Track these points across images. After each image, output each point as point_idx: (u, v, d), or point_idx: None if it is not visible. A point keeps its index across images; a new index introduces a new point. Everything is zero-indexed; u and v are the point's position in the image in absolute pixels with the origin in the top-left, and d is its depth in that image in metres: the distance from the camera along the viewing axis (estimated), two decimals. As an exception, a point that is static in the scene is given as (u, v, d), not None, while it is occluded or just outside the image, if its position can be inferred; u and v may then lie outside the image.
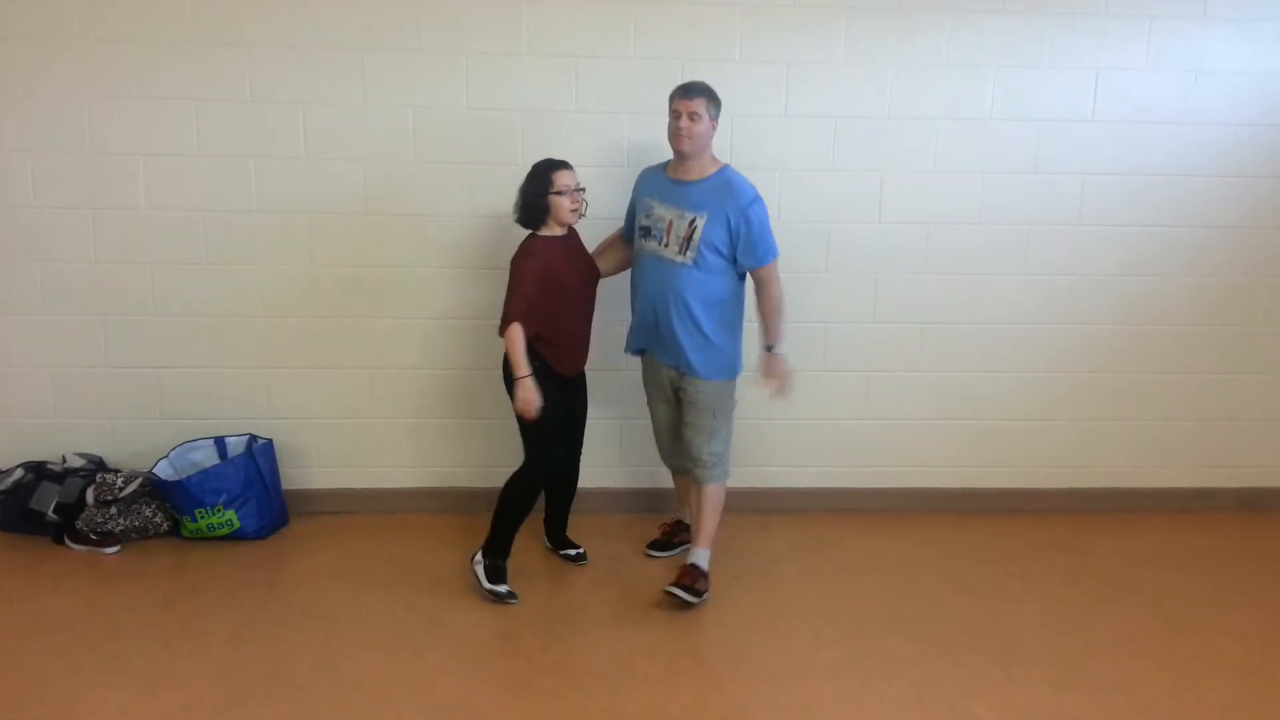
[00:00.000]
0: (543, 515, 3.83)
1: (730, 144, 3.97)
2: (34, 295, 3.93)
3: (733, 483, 4.22)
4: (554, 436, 3.49)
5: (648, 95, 3.90)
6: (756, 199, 3.35)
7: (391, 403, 4.12)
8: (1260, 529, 4.21)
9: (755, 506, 4.26)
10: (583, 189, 3.43)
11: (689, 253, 3.33)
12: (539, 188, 3.37)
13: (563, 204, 3.36)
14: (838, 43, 3.95)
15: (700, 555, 3.52)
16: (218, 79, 3.83)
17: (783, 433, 4.25)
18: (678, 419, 3.59)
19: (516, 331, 3.31)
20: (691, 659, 3.11)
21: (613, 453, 4.21)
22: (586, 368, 3.65)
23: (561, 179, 3.36)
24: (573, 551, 3.79)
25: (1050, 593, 3.60)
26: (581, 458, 3.81)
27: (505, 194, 3.95)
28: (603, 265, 3.65)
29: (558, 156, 3.45)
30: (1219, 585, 3.68)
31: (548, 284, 3.35)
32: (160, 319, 3.98)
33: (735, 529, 4.08)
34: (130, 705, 2.79)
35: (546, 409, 3.37)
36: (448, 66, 3.88)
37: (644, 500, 4.23)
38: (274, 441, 4.05)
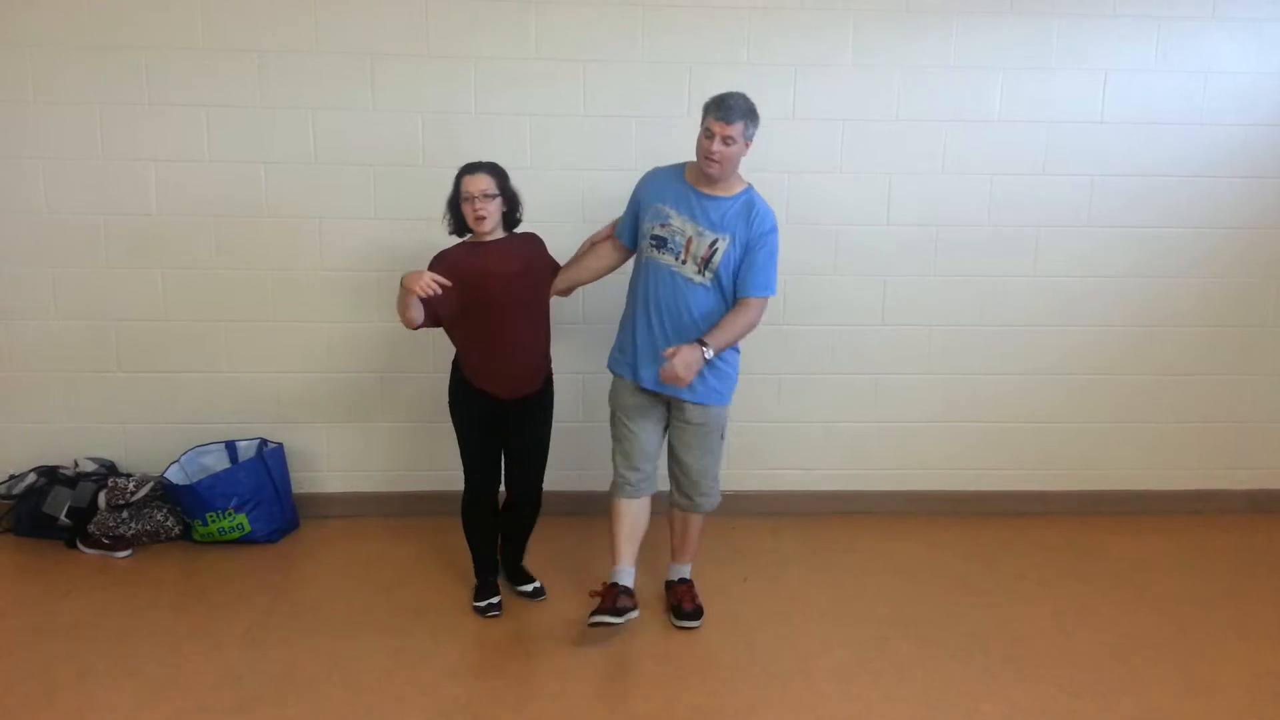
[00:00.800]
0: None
1: (738, 147, 3.97)
2: (47, 300, 3.96)
3: (742, 486, 4.26)
4: (477, 459, 3.36)
5: (656, 99, 3.92)
6: (775, 230, 3.19)
7: (401, 407, 4.13)
8: (1270, 530, 4.20)
9: (764, 509, 4.26)
10: (489, 195, 3.19)
11: (707, 274, 3.16)
12: (453, 194, 3.27)
13: (466, 211, 3.21)
14: (845, 45, 3.96)
15: (686, 569, 3.49)
16: (228, 85, 3.85)
17: (792, 435, 4.25)
18: (656, 446, 3.37)
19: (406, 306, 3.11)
20: (701, 661, 3.11)
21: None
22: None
23: (465, 185, 3.22)
24: (528, 587, 3.54)
25: (1060, 594, 3.59)
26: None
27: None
28: (588, 265, 3.43)
29: (474, 160, 3.29)
30: (1229, 587, 3.67)
31: (449, 292, 3.09)
32: (171, 323, 4.01)
33: (744, 532, 4.09)
34: (141, 708, 2.80)
35: (466, 426, 3.34)
36: (456, 72, 3.89)
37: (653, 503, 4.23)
38: (284, 445, 4.06)
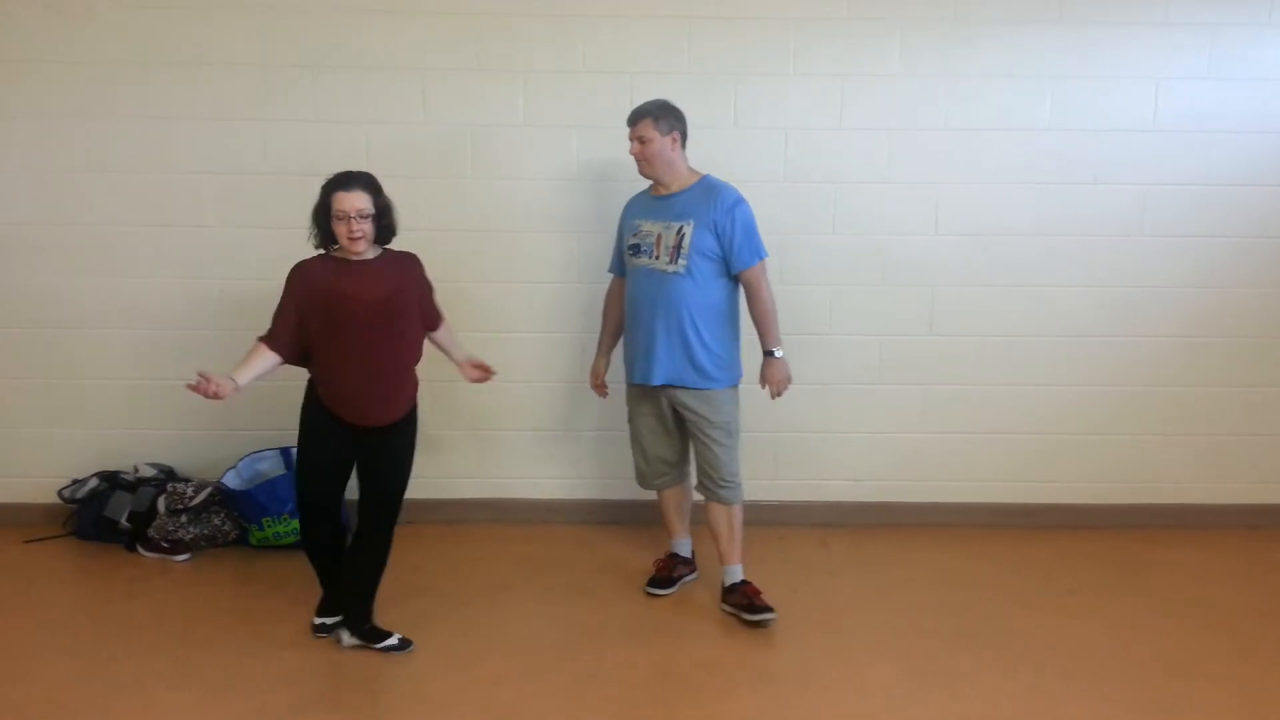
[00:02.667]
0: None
1: (784, 157, 4.00)
2: (110, 310, 4.07)
3: (790, 496, 4.25)
4: (311, 477, 3.15)
5: (702, 111, 3.93)
6: (740, 201, 3.34)
7: (450, 415, 4.18)
8: (1332, 546, 4.11)
9: (812, 520, 4.25)
10: (365, 215, 2.95)
11: (680, 261, 3.31)
12: (319, 205, 3.00)
13: (339, 230, 2.95)
14: (892, 55, 3.96)
15: (738, 570, 3.52)
16: (284, 100, 3.94)
17: (839, 446, 4.24)
18: (670, 443, 3.56)
19: (255, 347, 3.03)
20: (749, 671, 3.11)
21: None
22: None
23: (339, 202, 2.94)
24: (383, 644, 3.15)
25: (1114, 609, 3.54)
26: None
27: (561, 208, 4.05)
28: (613, 320, 3.64)
29: (350, 170, 3.08)
30: (1290, 603, 3.60)
31: (308, 309, 2.98)
32: (228, 333, 4.07)
33: (792, 543, 4.08)
34: (201, 708, 2.86)
35: (307, 445, 3.12)
36: (505, 84, 3.95)
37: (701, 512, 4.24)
38: (337, 453, 4.13)
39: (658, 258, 3.35)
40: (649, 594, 3.60)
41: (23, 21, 3.86)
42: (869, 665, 3.15)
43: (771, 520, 4.20)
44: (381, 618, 3.35)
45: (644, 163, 3.37)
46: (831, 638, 3.32)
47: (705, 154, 3.91)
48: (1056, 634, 3.35)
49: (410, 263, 3.18)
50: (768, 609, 3.37)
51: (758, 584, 3.49)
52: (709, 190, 3.35)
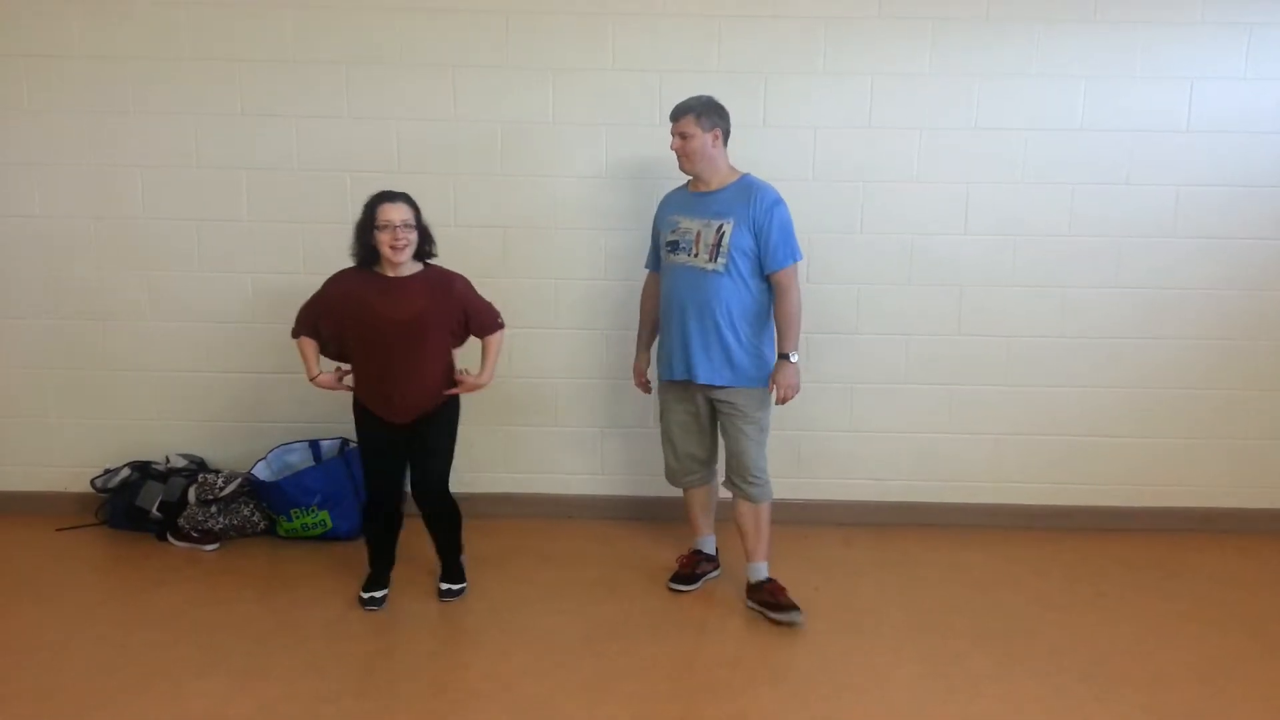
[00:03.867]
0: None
1: (813, 156, 3.99)
2: (143, 303, 4.13)
3: (815, 495, 4.25)
4: (371, 475, 3.41)
5: (731, 108, 3.92)
6: (779, 201, 3.34)
7: (477, 409, 4.21)
8: (1367, 553, 4.05)
9: (836, 520, 4.25)
10: (410, 226, 3.18)
11: (720, 259, 3.31)
12: (365, 221, 3.19)
13: (381, 240, 3.14)
14: (923, 54, 3.94)
15: (764, 567, 3.53)
16: (316, 96, 3.98)
17: (864, 445, 4.23)
18: (701, 441, 3.57)
19: (299, 343, 3.36)
20: (771, 669, 3.11)
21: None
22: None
23: (383, 214, 3.14)
24: (443, 586, 3.55)
25: (1141, 613, 3.51)
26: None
27: (590, 205, 4.05)
28: (650, 316, 3.65)
29: (390, 189, 3.25)
30: (1322, 610, 3.56)
31: (339, 319, 3.25)
32: (258, 326, 4.14)
33: (816, 542, 4.08)
34: (230, 695, 2.90)
35: (361, 441, 3.40)
36: (534, 82, 3.97)
37: (725, 510, 4.25)
38: (364, 446, 4.17)
39: (696, 255, 3.34)
40: (672, 590, 3.62)
41: (61, 19, 3.92)
42: (892, 665, 3.14)
43: (795, 519, 4.20)
44: (406, 609, 3.40)
45: (684, 158, 3.37)
46: (854, 637, 3.32)
47: (734, 152, 3.90)
48: (1082, 637, 3.33)
49: (449, 283, 3.31)
50: (794, 607, 3.38)
51: (781, 582, 3.49)
52: (748, 189, 3.34)
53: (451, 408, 3.44)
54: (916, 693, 2.99)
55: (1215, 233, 4.05)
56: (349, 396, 3.40)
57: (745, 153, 3.71)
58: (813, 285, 4.08)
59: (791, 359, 3.36)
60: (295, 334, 3.36)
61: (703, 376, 3.38)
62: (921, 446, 4.24)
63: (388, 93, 3.98)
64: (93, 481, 4.11)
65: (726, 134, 3.40)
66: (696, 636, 3.30)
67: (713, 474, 3.68)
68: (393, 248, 3.15)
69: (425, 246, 3.28)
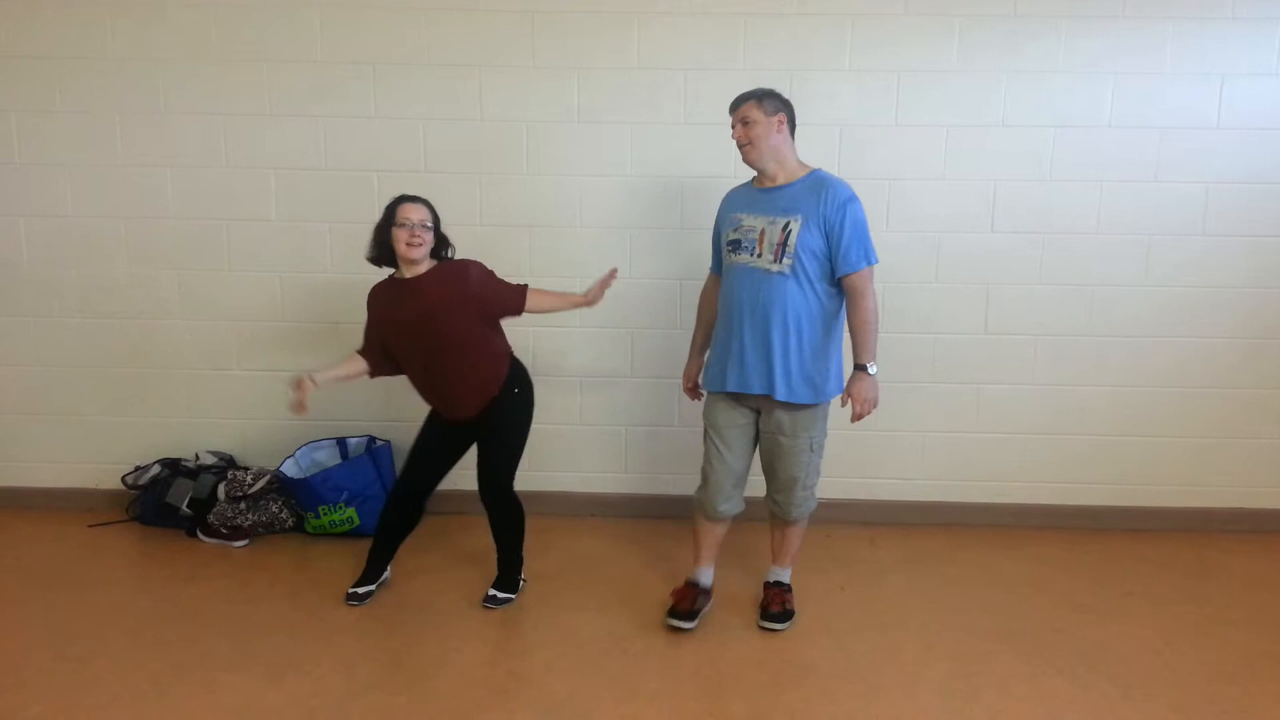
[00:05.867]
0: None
1: (839, 154, 3.99)
2: (173, 301, 4.18)
3: (840, 494, 4.25)
4: (412, 461, 3.45)
5: (757, 107, 3.94)
6: (853, 198, 3.07)
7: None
8: (1401, 555, 4.00)
9: (862, 519, 4.24)
10: (428, 227, 3.22)
11: (785, 260, 3.05)
12: (383, 221, 3.25)
13: (399, 236, 3.19)
14: (950, 51, 3.92)
15: (785, 572, 3.47)
16: (344, 97, 4.01)
17: (890, 444, 4.22)
18: (743, 460, 3.32)
19: (351, 358, 3.40)
20: (797, 668, 3.11)
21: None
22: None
23: (403, 212, 3.20)
24: (489, 591, 3.50)
25: (1170, 613, 3.48)
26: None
27: (612, 204, 4.06)
28: (705, 320, 3.43)
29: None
30: (1355, 612, 3.51)
31: (381, 331, 3.34)
32: (286, 325, 4.18)
33: (841, 541, 4.07)
34: (260, 690, 2.93)
35: (419, 433, 3.46)
36: (560, 81, 3.98)
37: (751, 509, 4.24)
38: (392, 444, 4.20)
39: (760, 255, 3.09)
40: (671, 627, 3.31)
41: (92, 22, 3.97)
42: (919, 665, 3.13)
43: (820, 518, 4.16)
44: (432, 605, 3.42)
45: (748, 146, 3.12)
46: (880, 636, 3.31)
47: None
48: (1110, 637, 3.31)
49: (457, 271, 3.27)
50: (778, 618, 3.33)
51: (806, 582, 3.48)
52: (820, 184, 3.08)
53: (521, 402, 3.40)
54: (944, 692, 2.98)
55: (1245, 230, 4.01)
56: (381, 393, 3.45)
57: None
58: (838, 283, 4.08)
59: (870, 371, 3.10)
60: (362, 350, 3.42)
61: (759, 387, 3.14)
62: (948, 446, 4.22)
63: (414, 93, 4.00)
64: (124, 478, 4.16)
65: (793, 125, 3.18)
66: (721, 634, 3.30)
67: (741, 504, 3.39)
68: (408, 244, 3.18)
69: (441, 251, 3.32)
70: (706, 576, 3.45)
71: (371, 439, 4.18)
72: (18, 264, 4.16)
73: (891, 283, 4.08)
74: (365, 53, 3.98)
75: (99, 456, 4.29)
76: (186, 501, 4.00)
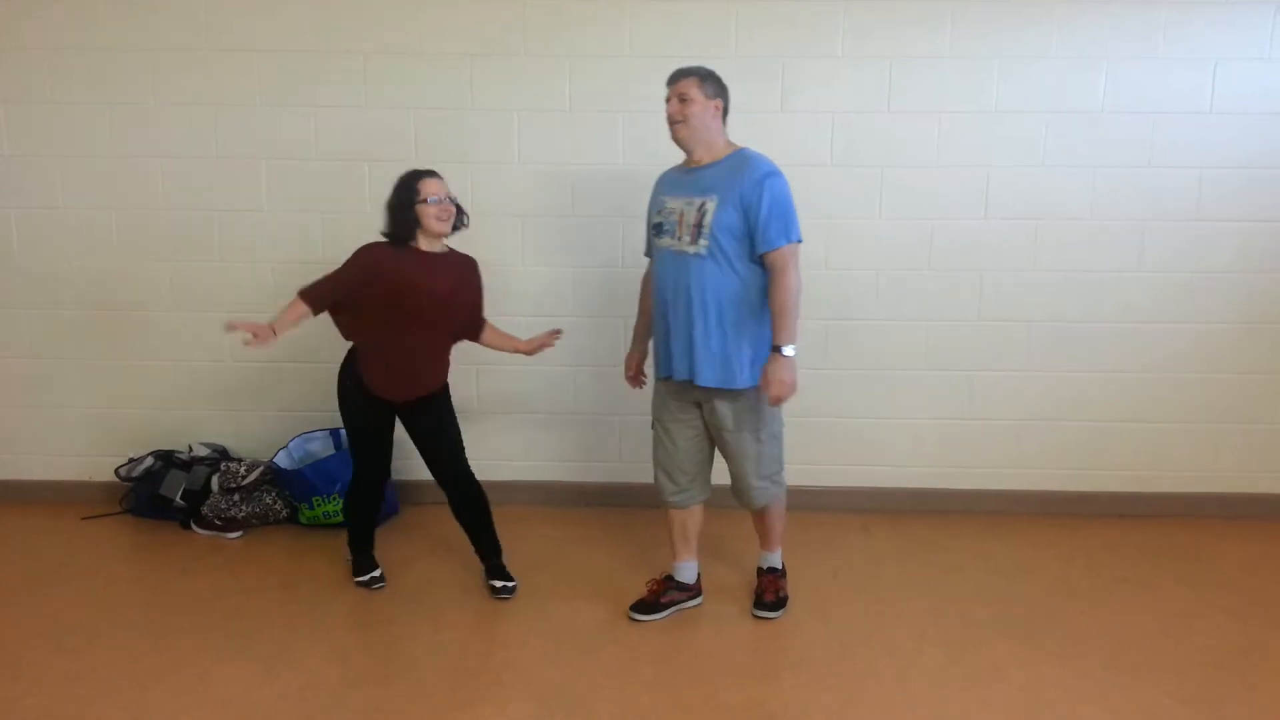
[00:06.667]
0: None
1: (831, 141, 3.97)
2: (164, 293, 4.16)
3: (833, 481, 4.24)
4: (366, 455, 3.41)
5: (749, 94, 3.92)
6: (773, 174, 2.97)
7: (496, 398, 4.23)
8: (1394, 539, 4.01)
9: (855, 507, 4.24)
10: (453, 199, 3.24)
11: (701, 241, 2.97)
12: (406, 198, 3.20)
13: (429, 213, 3.17)
14: (943, 36, 3.91)
15: (774, 557, 3.42)
16: (335, 86, 3.99)
17: (884, 432, 4.22)
18: (695, 450, 3.24)
19: (295, 302, 3.21)
20: (792, 655, 3.11)
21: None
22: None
23: (428, 187, 3.19)
24: (498, 584, 3.47)
25: (1165, 599, 3.49)
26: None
27: (605, 193, 4.04)
28: (645, 309, 3.38)
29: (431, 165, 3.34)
30: (1348, 596, 3.52)
31: (370, 290, 3.18)
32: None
33: (835, 528, 4.07)
34: (255, 682, 2.93)
35: (357, 428, 3.39)
36: (552, 70, 3.96)
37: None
38: (385, 434, 4.19)
39: (680, 237, 3.04)
40: (632, 619, 3.29)
41: (82, 11, 3.94)
42: (913, 652, 3.14)
43: (814, 505, 4.20)
44: (425, 595, 3.42)
45: (680, 124, 3.03)
46: (874, 623, 3.31)
47: (751, 138, 3.88)
48: (1104, 623, 3.32)
49: (472, 267, 3.38)
50: (772, 607, 3.32)
51: (799, 569, 3.48)
52: (740, 162, 3.01)
53: (447, 390, 3.47)
54: (938, 679, 2.98)
55: (1239, 215, 4.01)
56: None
57: (764, 138, 3.68)
58: (832, 271, 4.07)
59: (784, 353, 2.95)
60: (305, 295, 3.22)
61: (683, 373, 3.09)
62: (942, 432, 4.22)
63: (406, 82, 3.98)
64: (117, 470, 4.15)
65: (726, 110, 3.12)
66: (717, 623, 3.31)
67: (704, 491, 3.32)
68: (439, 219, 3.19)
69: (461, 219, 3.30)
70: (683, 571, 3.39)
71: (365, 430, 4.17)
72: (9, 256, 4.14)
73: (885, 270, 4.08)
74: (356, 42, 3.96)
75: (92, 449, 4.28)
76: (180, 493, 4.00)
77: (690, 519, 3.34)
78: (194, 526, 4.00)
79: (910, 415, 4.20)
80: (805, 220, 3.97)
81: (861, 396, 4.19)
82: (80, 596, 3.45)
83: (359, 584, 3.52)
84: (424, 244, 3.25)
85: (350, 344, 3.40)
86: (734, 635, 3.23)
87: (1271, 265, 4.04)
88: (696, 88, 3.02)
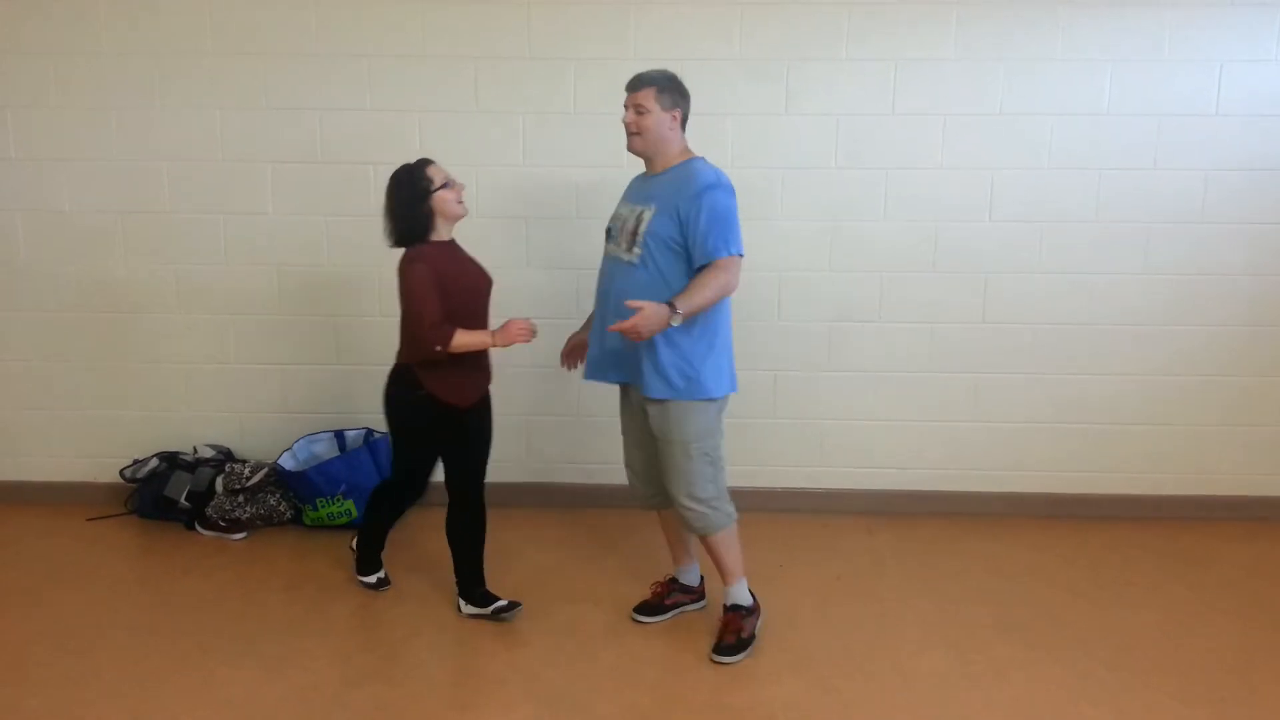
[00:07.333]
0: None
1: (836, 143, 3.97)
2: (170, 295, 4.17)
3: (837, 484, 4.23)
4: (423, 461, 3.24)
5: (752, 97, 3.93)
6: (714, 187, 2.87)
7: (498, 399, 4.20)
8: (1400, 542, 3.99)
9: (858, 509, 4.23)
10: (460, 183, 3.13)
11: (635, 249, 2.94)
12: (416, 191, 3.03)
13: (448, 198, 3.04)
14: (947, 39, 3.90)
15: (735, 592, 3.16)
16: (340, 89, 3.99)
17: (888, 434, 4.21)
18: (646, 455, 3.17)
19: (460, 335, 2.97)
20: (794, 657, 3.11)
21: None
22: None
23: (436, 173, 3.05)
24: (504, 602, 3.30)
25: (1169, 602, 3.48)
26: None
27: (610, 195, 4.01)
28: None
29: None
30: (1354, 599, 3.51)
31: (445, 294, 2.99)
32: (284, 318, 4.17)
33: (838, 531, 4.07)
34: (259, 683, 2.93)
35: (419, 444, 3.19)
36: (556, 72, 3.97)
37: (748, 499, 4.24)
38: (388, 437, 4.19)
39: (620, 244, 3.01)
40: (635, 621, 3.31)
41: (87, 15, 3.95)
42: (917, 654, 3.13)
43: (817, 508, 4.19)
44: (429, 597, 3.42)
45: (636, 135, 2.98)
46: (877, 625, 3.31)
47: (756, 140, 3.92)
48: (1108, 625, 3.31)
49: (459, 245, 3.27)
50: (731, 650, 3.07)
51: (802, 572, 3.47)
52: (686, 174, 2.94)
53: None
54: (942, 681, 2.98)
55: (1244, 218, 4.00)
56: (378, 386, 3.27)
57: (766, 140, 3.71)
58: (836, 273, 4.07)
59: (672, 308, 2.79)
60: (442, 325, 2.96)
61: (614, 377, 3.09)
62: (946, 435, 4.21)
63: (410, 85, 3.99)
64: (122, 472, 4.16)
65: (685, 118, 3.05)
66: (719, 624, 3.30)
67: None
68: (459, 201, 3.10)
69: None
70: (684, 574, 3.39)
71: (369, 431, 4.17)
72: (15, 258, 4.15)
73: (889, 272, 4.07)
74: (360, 45, 3.97)
75: (97, 450, 4.29)
76: (184, 494, 4.00)
77: (676, 521, 3.26)
78: (198, 528, 4.01)
79: (914, 418, 4.20)
80: (809, 222, 4.04)
81: (865, 399, 4.18)
82: (84, 597, 3.46)
83: (363, 584, 3.50)
84: (443, 233, 3.12)
85: (397, 363, 3.21)
86: (737, 637, 3.23)
87: (1277, 268, 4.03)
88: (654, 99, 2.95)
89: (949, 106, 3.95)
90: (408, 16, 3.94)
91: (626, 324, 2.76)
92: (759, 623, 3.20)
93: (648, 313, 2.76)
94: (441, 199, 3.06)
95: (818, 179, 3.99)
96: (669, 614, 3.35)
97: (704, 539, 3.11)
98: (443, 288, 3.00)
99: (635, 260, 2.95)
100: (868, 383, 4.17)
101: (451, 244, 3.15)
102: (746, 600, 3.19)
